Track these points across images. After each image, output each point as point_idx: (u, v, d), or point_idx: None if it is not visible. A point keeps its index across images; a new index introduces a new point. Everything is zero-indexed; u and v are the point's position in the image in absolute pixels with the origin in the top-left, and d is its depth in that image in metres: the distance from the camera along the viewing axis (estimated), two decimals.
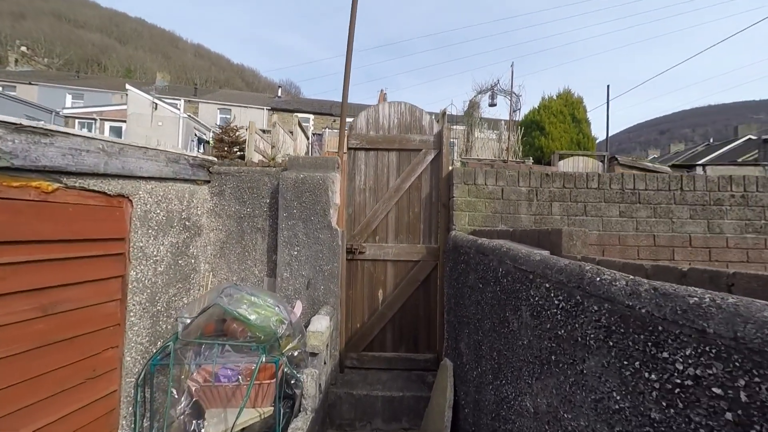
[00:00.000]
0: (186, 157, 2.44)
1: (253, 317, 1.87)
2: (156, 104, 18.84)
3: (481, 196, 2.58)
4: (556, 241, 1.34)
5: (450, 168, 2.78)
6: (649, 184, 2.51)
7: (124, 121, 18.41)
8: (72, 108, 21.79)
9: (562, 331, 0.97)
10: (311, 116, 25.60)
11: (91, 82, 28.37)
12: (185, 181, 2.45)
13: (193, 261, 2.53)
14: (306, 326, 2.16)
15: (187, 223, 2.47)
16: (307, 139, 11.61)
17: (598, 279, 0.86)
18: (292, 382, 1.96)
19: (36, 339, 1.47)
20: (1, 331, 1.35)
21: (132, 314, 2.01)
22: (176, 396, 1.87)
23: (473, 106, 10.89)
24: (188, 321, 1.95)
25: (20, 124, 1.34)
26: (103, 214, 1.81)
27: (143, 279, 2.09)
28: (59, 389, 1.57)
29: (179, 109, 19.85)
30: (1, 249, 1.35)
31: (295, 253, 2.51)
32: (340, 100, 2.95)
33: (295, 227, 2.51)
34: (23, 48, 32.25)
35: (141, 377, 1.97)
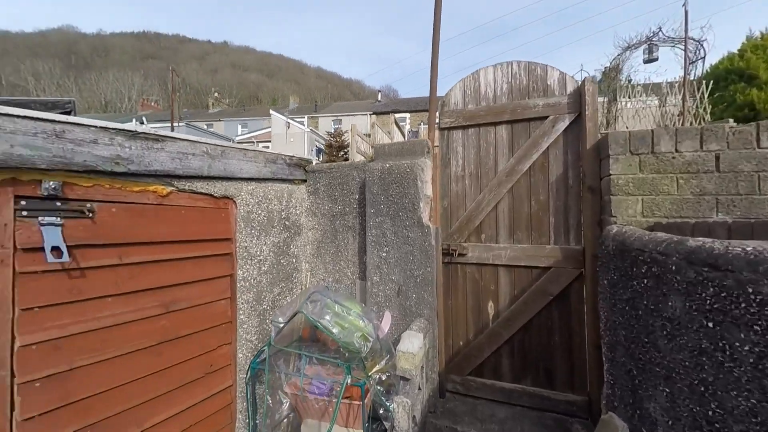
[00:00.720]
0: (283, 156, 2.47)
1: (335, 330, 1.65)
2: (288, 123, 22.74)
3: (668, 171, 1.61)
4: None
5: (599, 135, 1.89)
6: None
7: (270, 142, 23.02)
8: (241, 135, 28.88)
9: None
10: (407, 115, 25.94)
11: (252, 113, 37.02)
12: (283, 181, 2.49)
13: (294, 260, 2.58)
14: (395, 343, 1.82)
15: (286, 222, 2.51)
16: (404, 136, 11.58)
17: None
18: (381, 411, 1.65)
19: (160, 335, 1.63)
20: (132, 327, 1.53)
21: (241, 312, 2.13)
22: (271, 404, 1.85)
23: (615, 68, 8.15)
24: (281, 325, 1.90)
25: (135, 131, 1.46)
26: (211, 216, 1.94)
27: (249, 278, 2.19)
28: (181, 383, 1.72)
29: (304, 125, 23.38)
30: (130, 249, 1.53)
31: (384, 254, 2.19)
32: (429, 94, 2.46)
33: (383, 225, 2.19)
34: (216, 94, 45.02)
35: (248, 376, 2.06)
